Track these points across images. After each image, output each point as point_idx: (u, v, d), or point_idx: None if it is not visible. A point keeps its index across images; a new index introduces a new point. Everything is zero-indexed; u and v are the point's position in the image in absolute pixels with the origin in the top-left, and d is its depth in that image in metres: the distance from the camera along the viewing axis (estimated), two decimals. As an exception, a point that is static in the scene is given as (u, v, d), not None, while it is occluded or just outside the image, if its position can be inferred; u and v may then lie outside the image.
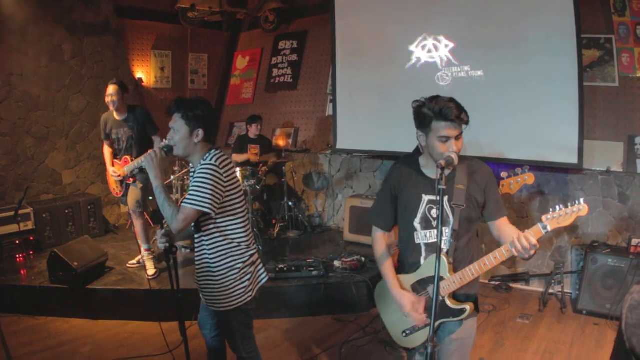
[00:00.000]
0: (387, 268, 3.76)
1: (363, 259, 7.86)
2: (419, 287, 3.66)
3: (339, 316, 7.09)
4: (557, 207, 3.15)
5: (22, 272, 7.79)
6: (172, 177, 9.41)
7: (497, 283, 7.92)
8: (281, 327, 6.85)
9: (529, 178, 5.12)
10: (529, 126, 7.38)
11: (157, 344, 5.80)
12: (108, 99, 7.26)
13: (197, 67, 12.60)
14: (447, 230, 3.51)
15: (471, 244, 3.65)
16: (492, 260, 3.34)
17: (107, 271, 7.80)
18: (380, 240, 3.89)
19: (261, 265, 4.34)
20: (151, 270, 7.48)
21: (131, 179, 7.36)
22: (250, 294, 4.15)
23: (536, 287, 7.81)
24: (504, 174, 5.23)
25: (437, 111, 3.36)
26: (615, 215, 7.44)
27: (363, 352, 6.08)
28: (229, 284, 4.06)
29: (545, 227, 3.14)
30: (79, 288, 6.99)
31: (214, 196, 3.81)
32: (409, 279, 3.69)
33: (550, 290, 7.35)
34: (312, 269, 7.46)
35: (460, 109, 3.35)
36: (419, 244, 3.63)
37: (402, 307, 3.63)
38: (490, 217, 3.60)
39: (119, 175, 7.52)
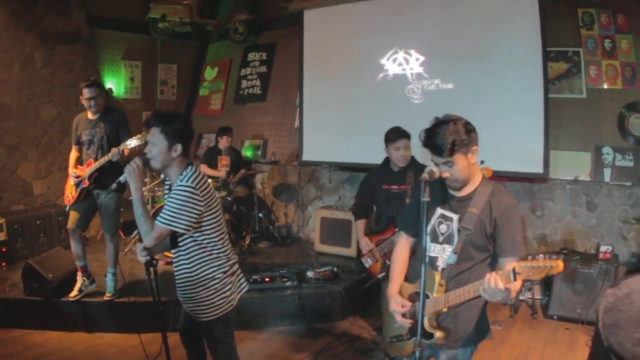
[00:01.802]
0: (395, 271, 3.80)
1: (335, 269, 7.93)
2: (415, 297, 3.61)
3: (314, 326, 7.13)
4: (530, 259, 2.88)
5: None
6: (143, 188, 9.39)
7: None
8: (257, 338, 6.88)
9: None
10: (497, 137, 7.48)
11: (134, 356, 5.79)
12: (89, 103, 6.67)
13: (167, 77, 12.58)
14: (449, 250, 3.50)
15: (477, 272, 3.44)
16: (464, 293, 3.24)
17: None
18: (402, 244, 3.88)
19: (241, 275, 4.40)
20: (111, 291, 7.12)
21: (87, 183, 6.71)
22: (232, 303, 4.19)
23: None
24: None
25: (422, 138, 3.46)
26: (583, 223, 7.64)
27: (339, 360, 6.13)
28: (210, 294, 4.09)
29: (515, 276, 2.89)
30: (54, 300, 6.93)
31: (190, 217, 3.84)
32: (410, 287, 3.73)
33: (521, 297, 7.43)
34: (285, 279, 7.50)
35: (449, 134, 3.30)
36: (425, 255, 3.40)
37: (389, 305, 3.68)
38: (500, 254, 3.44)
39: (78, 177, 6.82)
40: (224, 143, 9.99)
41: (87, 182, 6.68)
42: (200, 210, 3.88)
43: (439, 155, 3.34)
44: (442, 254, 3.51)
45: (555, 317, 7.02)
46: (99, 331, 7.00)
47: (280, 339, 6.85)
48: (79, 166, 6.92)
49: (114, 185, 4.29)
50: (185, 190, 3.83)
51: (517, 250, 3.36)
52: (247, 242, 9.86)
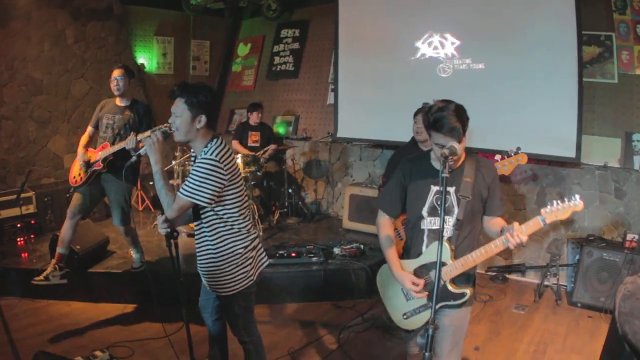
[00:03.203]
0: (391, 251, 3.96)
1: (362, 246, 7.92)
2: (420, 272, 3.85)
3: (338, 302, 7.17)
4: (555, 203, 3.46)
5: (24, 255, 7.83)
6: (173, 162, 9.48)
7: (493, 273, 8.00)
8: (282, 312, 6.95)
9: (522, 158, 5.22)
10: (528, 119, 7.47)
11: (157, 327, 5.89)
12: (113, 83, 6.67)
13: (199, 53, 12.67)
14: (450, 220, 3.74)
15: (473, 234, 3.84)
16: (491, 248, 3.59)
17: (108, 255, 7.91)
18: (386, 225, 4.08)
19: (262, 250, 4.40)
20: (138, 263, 7.26)
21: (100, 165, 6.50)
22: (252, 278, 4.20)
23: (532, 278, 7.90)
24: (497, 157, 5.34)
25: (431, 122, 3.60)
26: (611, 210, 7.54)
27: (361, 338, 6.18)
28: (230, 268, 4.10)
29: (543, 220, 3.46)
30: (80, 271, 7.05)
31: (212, 190, 3.84)
32: (412, 263, 3.89)
33: (546, 282, 7.41)
34: (311, 255, 7.56)
35: (457, 120, 3.53)
36: (423, 230, 3.85)
37: (403, 285, 3.85)
38: (490, 212, 3.87)
39: (88, 160, 6.64)
40: (254, 119, 10.05)
41: (101, 164, 6.51)
42: (223, 184, 3.88)
43: (452, 137, 3.53)
44: (445, 224, 3.69)
45: (579, 304, 6.99)
46: (123, 302, 7.14)
47: (304, 314, 6.90)
48: (89, 149, 6.80)
49: (133, 158, 4.28)
50: (208, 163, 3.82)
51: (503, 208, 3.92)
52: (276, 217, 9.92)
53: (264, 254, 4.41)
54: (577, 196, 3.46)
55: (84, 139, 6.84)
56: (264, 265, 4.40)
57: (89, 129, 6.88)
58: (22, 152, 9.59)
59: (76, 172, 6.76)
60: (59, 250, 6.69)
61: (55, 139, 10.01)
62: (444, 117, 3.52)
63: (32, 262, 7.26)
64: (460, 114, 3.58)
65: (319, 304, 7.18)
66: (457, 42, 8.13)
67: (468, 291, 3.75)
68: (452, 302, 3.76)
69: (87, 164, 6.62)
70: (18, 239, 8.38)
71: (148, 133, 5.87)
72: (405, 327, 4.05)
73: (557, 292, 7.21)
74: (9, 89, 9.34)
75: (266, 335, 5.70)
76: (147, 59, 11.77)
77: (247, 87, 12.66)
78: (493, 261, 8.18)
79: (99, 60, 10.64)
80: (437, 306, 3.60)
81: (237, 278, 4.12)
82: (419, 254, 3.88)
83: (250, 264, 4.17)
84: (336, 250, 7.84)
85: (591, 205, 7.58)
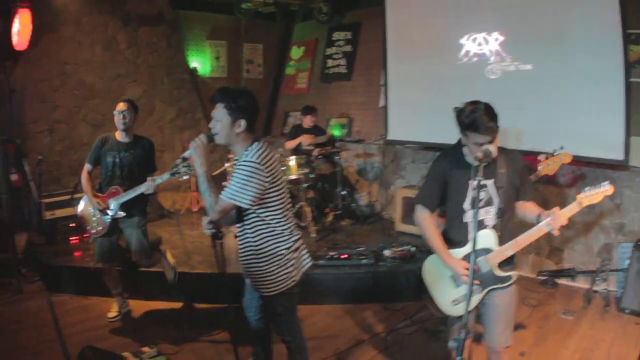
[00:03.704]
0: (438, 241, 4.17)
1: (413, 249, 7.92)
2: (468, 260, 3.95)
3: (387, 305, 7.20)
4: (588, 188, 3.96)
5: (76, 254, 8.15)
6: (226, 164, 9.60)
7: (543, 278, 7.89)
8: (330, 314, 7.01)
9: (566, 157, 5.29)
10: (575, 121, 7.32)
11: (205, 326, 6.02)
12: (118, 117, 6.36)
13: (252, 56, 12.85)
14: (492, 210, 4.06)
15: (511, 220, 4.22)
16: (535, 233, 3.96)
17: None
18: (428, 218, 4.25)
19: (305, 251, 4.46)
20: (170, 274, 7.03)
21: (119, 213, 6.35)
22: (294, 279, 4.27)
23: (581, 283, 7.73)
24: (541, 157, 5.36)
25: (468, 123, 3.83)
26: (663, 214, 7.37)
27: (408, 340, 6.21)
28: (273, 269, 4.17)
29: (579, 204, 3.91)
30: (132, 270, 7.23)
31: (254, 193, 3.90)
32: (459, 252, 4.14)
33: (595, 288, 7.29)
34: (362, 257, 7.58)
35: (491, 119, 3.81)
36: (467, 223, 4.11)
37: (456, 271, 4.07)
38: (523, 198, 4.23)
39: (105, 209, 6.37)
40: (307, 122, 10.16)
41: (121, 213, 6.38)
42: (264, 186, 3.94)
43: (490, 135, 3.85)
44: (487, 215, 4.06)
45: (627, 310, 6.80)
46: (172, 301, 7.31)
47: (352, 316, 6.95)
48: (98, 194, 6.47)
49: (178, 160, 4.39)
50: (249, 166, 3.89)
51: (532, 192, 4.30)
52: (330, 219, 9.97)
53: (307, 255, 4.48)
54: (606, 182, 3.96)
55: (87, 180, 6.51)
56: (307, 266, 4.46)
57: (87, 166, 6.54)
58: (76, 154, 9.89)
59: (89, 221, 6.58)
60: (115, 291, 6.83)
61: (109, 142, 10.24)
62: (478, 117, 3.78)
63: (84, 261, 7.48)
64: (491, 112, 3.85)
65: (367, 306, 7.21)
66: (501, 38, 8.08)
67: (514, 274, 4.11)
68: (500, 286, 4.08)
69: (102, 212, 6.39)
70: (71, 238, 8.70)
71: (167, 176, 6.00)
72: (454, 314, 4.24)
73: (606, 298, 7.08)
74: (62, 93, 9.67)
75: (313, 336, 5.86)
76: (200, 62, 12.00)
77: (301, 89, 12.80)
78: (543, 265, 8.11)
79: (151, 65, 10.93)
80: (487, 290, 4.08)
81: (279, 279, 4.19)
82: (465, 244, 4.12)
83: (292, 265, 4.24)
84: (387, 253, 7.84)
85: (640, 209, 7.44)
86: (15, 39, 8.42)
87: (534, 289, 7.63)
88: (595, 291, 7.29)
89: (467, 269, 3.91)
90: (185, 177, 5.84)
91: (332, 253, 7.66)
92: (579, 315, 6.79)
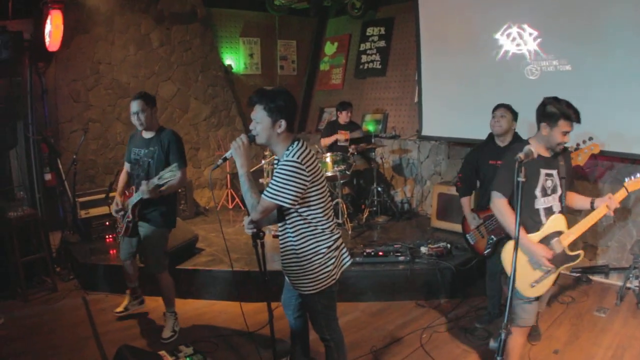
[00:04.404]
0: (521, 228, 4.17)
1: (449, 245, 7.88)
2: (545, 243, 4.42)
3: (423, 302, 7.17)
4: (633, 176, 4.60)
5: (111, 252, 8.16)
6: (262, 161, 9.62)
7: (578, 275, 7.77)
8: (366, 311, 6.97)
9: (595, 148, 5.41)
10: (611, 117, 7.20)
11: (242, 324, 5.93)
12: (133, 118, 6.01)
13: (286, 53, 12.85)
14: (557, 197, 4.54)
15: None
16: (595, 215, 4.54)
17: (196, 252, 8.13)
18: (507, 204, 4.48)
19: (345, 249, 4.43)
20: (168, 332, 6.22)
21: (130, 216, 6.08)
22: (334, 277, 4.25)
23: (615, 280, 7.60)
24: (570, 148, 5.34)
25: (563, 112, 4.32)
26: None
27: (443, 338, 6.16)
28: (313, 268, 4.16)
29: (626, 189, 4.59)
30: (169, 268, 7.20)
31: (295, 192, 3.89)
32: (534, 237, 4.40)
33: (628, 285, 7.13)
34: (398, 254, 7.54)
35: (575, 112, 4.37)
36: (538, 209, 4.47)
37: (538, 255, 4.30)
38: (570, 188, 4.80)
39: (120, 209, 6.22)
40: (343, 118, 10.13)
41: (131, 216, 6.10)
42: (305, 185, 3.93)
43: (577, 123, 4.42)
44: (554, 202, 4.52)
45: (660, 308, 6.71)
46: (210, 298, 7.36)
47: (388, 313, 6.92)
48: (127, 193, 6.33)
49: (220, 161, 4.33)
50: (291, 165, 3.88)
51: None
52: (366, 215, 9.91)
53: (346, 253, 4.45)
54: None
55: (122, 179, 6.43)
56: (347, 264, 4.44)
57: (126, 165, 6.43)
58: (111, 152, 10.00)
59: (118, 220, 6.46)
60: (130, 285, 6.81)
61: (143, 140, 10.30)
62: (571, 108, 4.36)
63: (119, 259, 7.44)
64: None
65: (403, 303, 7.17)
66: (535, 33, 7.94)
67: (581, 252, 4.56)
68: (572, 263, 4.53)
69: (117, 212, 6.28)
70: (106, 237, 8.76)
71: (155, 181, 5.62)
72: (532, 295, 4.45)
73: (639, 295, 6.94)
74: (96, 92, 9.75)
75: (349, 334, 5.83)
76: (234, 59, 12.00)
77: (335, 85, 12.77)
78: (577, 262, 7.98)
79: (185, 63, 10.99)
80: (560, 269, 4.49)
81: (320, 277, 4.18)
82: (538, 228, 4.44)
83: (333, 263, 4.21)
84: (423, 250, 7.81)
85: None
86: (47, 40, 8.46)
87: (568, 285, 7.52)
88: (628, 288, 7.16)
89: (547, 253, 4.29)
90: (168, 182, 5.59)
91: (368, 250, 7.62)
92: (612, 312, 6.69)
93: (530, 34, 7.99)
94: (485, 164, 6.07)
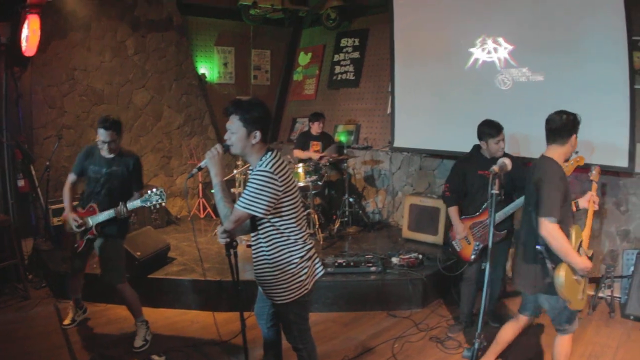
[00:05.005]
0: (571, 248, 4.45)
1: (421, 256, 7.94)
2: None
3: (394, 312, 7.23)
4: (592, 169, 5.27)
5: (85, 257, 8.05)
6: (234, 171, 9.65)
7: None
8: (337, 321, 7.02)
9: (580, 160, 5.46)
10: (582, 129, 7.33)
11: (215, 333, 5.96)
12: (102, 147, 6.04)
13: (260, 62, 12.87)
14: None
15: None
16: (590, 214, 4.93)
17: (169, 261, 8.12)
18: (560, 229, 4.39)
19: (318, 260, 4.47)
20: (139, 342, 6.21)
21: (94, 232, 6.09)
22: (307, 287, 4.29)
23: (587, 290, 7.69)
24: None
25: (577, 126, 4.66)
26: (668, 221, 7.35)
27: (415, 347, 6.22)
28: (286, 278, 4.20)
29: (595, 181, 5.17)
30: (140, 277, 7.24)
31: (268, 202, 3.92)
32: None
33: (600, 294, 7.27)
34: (370, 264, 7.59)
35: None
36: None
37: (587, 268, 4.44)
38: None
39: (81, 225, 6.07)
40: (315, 128, 10.16)
41: (94, 232, 6.12)
42: (278, 195, 3.97)
43: None
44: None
45: (632, 317, 6.84)
46: (182, 308, 7.35)
47: (360, 323, 6.98)
48: (79, 209, 6.25)
49: (194, 171, 4.37)
50: (263, 175, 3.92)
51: None
52: (337, 226, 9.95)
53: (319, 263, 4.49)
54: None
55: (68, 191, 6.30)
56: (319, 275, 4.47)
57: (72, 177, 6.30)
58: (84, 160, 9.90)
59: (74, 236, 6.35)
60: (74, 296, 6.79)
61: (117, 148, 10.27)
62: None
63: (91, 268, 7.38)
64: None
65: (375, 313, 7.24)
66: (510, 47, 8.05)
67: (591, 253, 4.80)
68: None
69: (78, 227, 6.11)
70: (76, 244, 8.60)
71: (138, 202, 5.90)
72: (582, 306, 4.68)
73: (611, 305, 7.06)
74: (70, 98, 9.73)
75: (321, 343, 5.88)
76: (208, 68, 12.02)
77: (308, 96, 12.79)
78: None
79: (159, 70, 10.98)
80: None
81: (292, 287, 4.22)
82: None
83: (305, 273, 4.26)
84: (394, 260, 7.88)
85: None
86: (24, 44, 8.42)
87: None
88: (601, 298, 7.30)
89: (589, 264, 4.47)
90: (157, 203, 5.90)
91: (340, 261, 7.66)
92: (584, 321, 6.77)
93: (506, 48, 8.10)
94: (473, 174, 6.23)
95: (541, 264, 4.52)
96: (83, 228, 6.10)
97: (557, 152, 4.61)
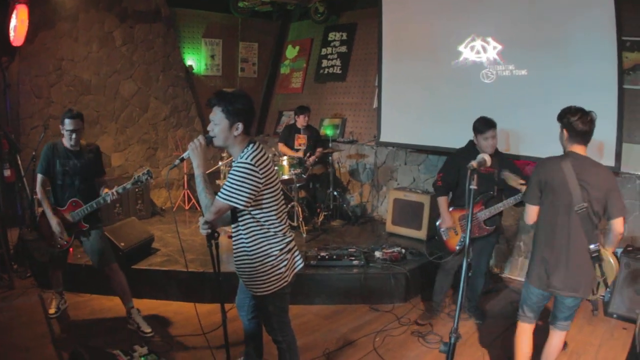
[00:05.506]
0: None
1: (403, 250, 7.99)
2: None
3: (376, 306, 7.28)
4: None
5: (69, 250, 8.07)
6: (220, 162, 9.68)
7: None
8: (319, 314, 7.07)
9: None
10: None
11: (195, 325, 5.95)
12: (69, 136, 6.05)
13: (247, 55, 12.88)
14: None
15: None
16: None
17: (152, 252, 8.15)
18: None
19: (297, 252, 4.53)
20: (148, 327, 6.33)
21: (83, 225, 6.18)
22: (286, 279, 4.34)
23: None
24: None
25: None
26: (651, 220, 7.40)
27: (396, 341, 6.28)
28: (265, 270, 4.24)
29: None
30: (124, 268, 7.12)
31: (249, 193, 3.96)
32: None
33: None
34: (352, 258, 7.63)
35: None
36: None
37: None
38: None
39: (69, 223, 6.14)
40: (301, 122, 10.21)
41: (84, 225, 6.21)
42: (258, 187, 4.00)
43: None
44: None
45: (614, 315, 6.91)
46: (165, 299, 7.38)
47: (342, 316, 7.03)
48: (58, 208, 6.20)
49: (177, 162, 4.39)
50: (244, 167, 3.95)
51: None
52: (321, 219, 10.03)
53: (299, 256, 4.55)
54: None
55: (41, 191, 6.15)
56: (299, 267, 4.53)
57: (41, 178, 6.16)
58: (69, 150, 9.90)
59: (54, 237, 6.24)
60: (56, 290, 6.82)
61: (103, 138, 10.34)
62: None
63: (76, 258, 7.47)
64: None
65: (357, 307, 7.29)
66: (499, 47, 8.09)
67: None
68: None
69: (66, 226, 6.14)
70: (62, 241, 8.57)
71: (129, 185, 5.91)
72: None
73: (594, 303, 7.08)
74: (57, 88, 9.70)
75: (302, 336, 5.91)
76: (195, 60, 12.01)
77: (295, 89, 12.82)
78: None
79: (147, 62, 10.99)
80: None
81: (272, 279, 4.27)
82: None
83: (285, 265, 4.31)
84: (377, 254, 7.91)
85: (631, 215, 7.43)
86: (12, 34, 8.43)
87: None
88: (584, 296, 7.34)
89: None
90: (145, 180, 5.92)
91: (323, 254, 7.68)
92: (567, 319, 6.82)
93: (494, 48, 8.15)
94: (465, 168, 6.24)
95: (595, 263, 4.60)
96: (70, 225, 6.17)
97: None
